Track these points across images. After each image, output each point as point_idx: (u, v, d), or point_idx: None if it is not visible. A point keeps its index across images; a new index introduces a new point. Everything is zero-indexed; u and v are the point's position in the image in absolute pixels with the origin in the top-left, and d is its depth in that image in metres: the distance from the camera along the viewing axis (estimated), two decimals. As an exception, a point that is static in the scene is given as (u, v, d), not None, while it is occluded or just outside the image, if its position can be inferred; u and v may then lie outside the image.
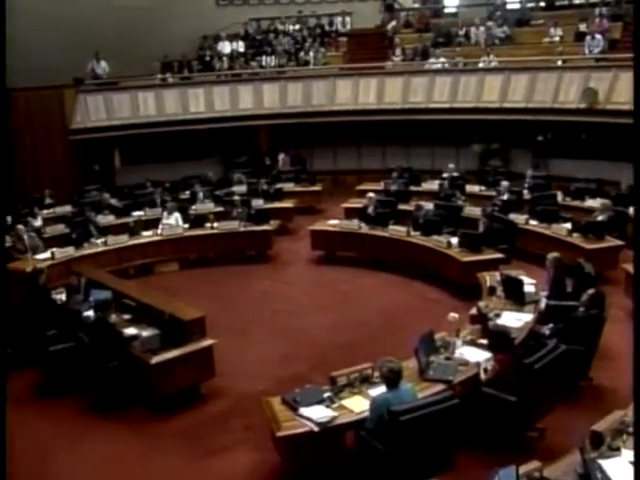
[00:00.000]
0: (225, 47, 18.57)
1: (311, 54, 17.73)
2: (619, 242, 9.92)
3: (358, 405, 5.41)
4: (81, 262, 10.46)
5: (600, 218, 10.57)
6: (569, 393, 6.24)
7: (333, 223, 11.78)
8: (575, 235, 10.19)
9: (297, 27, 19.62)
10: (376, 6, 20.09)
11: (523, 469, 4.13)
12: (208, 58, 18.16)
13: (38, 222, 12.23)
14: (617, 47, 14.50)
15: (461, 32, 17.54)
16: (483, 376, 5.84)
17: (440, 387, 5.61)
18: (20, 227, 11.03)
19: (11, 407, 6.84)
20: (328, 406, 5.41)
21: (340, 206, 13.26)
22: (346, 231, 11.45)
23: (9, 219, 12.14)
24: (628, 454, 4.29)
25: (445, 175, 14.34)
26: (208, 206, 13.37)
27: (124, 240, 11.26)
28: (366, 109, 16.07)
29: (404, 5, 20.60)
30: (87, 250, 10.88)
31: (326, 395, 5.53)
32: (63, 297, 8.46)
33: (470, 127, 15.58)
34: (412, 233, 10.77)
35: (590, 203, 11.89)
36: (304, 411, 5.33)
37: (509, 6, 19.33)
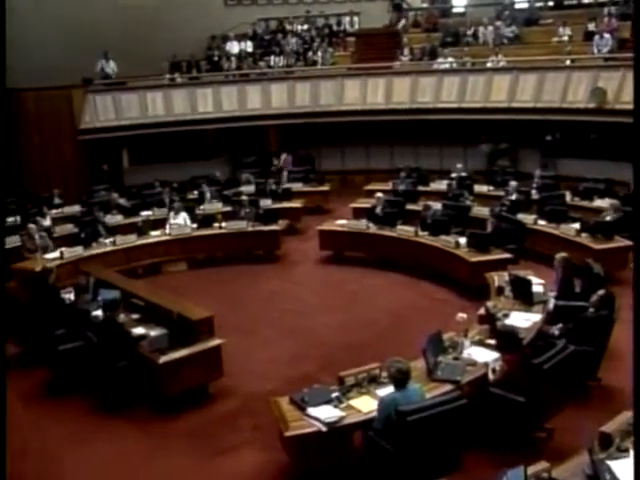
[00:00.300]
0: (233, 47, 18.59)
1: (319, 54, 17.73)
2: (628, 242, 9.86)
3: (366, 405, 5.41)
4: (90, 262, 10.48)
5: (609, 218, 10.53)
6: (578, 394, 6.21)
7: (341, 223, 11.78)
8: (584, 235, 10.16)
9: (305, 27, 19.62)
10: (384, 6, 20.08)
11: (531, 470, 4.12)
12: (216, 58, 18.17)
13: (47, 222, 12.26)
14: (626, 46, 14.36)
15: (469, 32, 17.49)
16: (491, 376, 5.84)
17: (448, 387, 5.61)
18: (32, 226, 11.09)
19: (21, 406, 6.91)
20: (336, 406, 5.41)
21: (348, 206, 13.25)
22: (354, 231, 11.45)
23: (19, 219, 12.22)
24: (637, 455, 4.28)
25: (453, 175, 14.29)
26: (216, 206, 13.38)
27: (132, 240, 11.30)
28: (374, 109, 16.05)
29: (412, 5, 20.59)
30: (96, 250, 10.92)
31: (334, 395, 5.53)
32: (72, 296, 8.49)
33: (478, 127, 15.52)
34: (420, 233, 10.76)
35: (599, 203, 11.83)
36: (312, 411, 5.33)
37: (517, 5, 19.29)
